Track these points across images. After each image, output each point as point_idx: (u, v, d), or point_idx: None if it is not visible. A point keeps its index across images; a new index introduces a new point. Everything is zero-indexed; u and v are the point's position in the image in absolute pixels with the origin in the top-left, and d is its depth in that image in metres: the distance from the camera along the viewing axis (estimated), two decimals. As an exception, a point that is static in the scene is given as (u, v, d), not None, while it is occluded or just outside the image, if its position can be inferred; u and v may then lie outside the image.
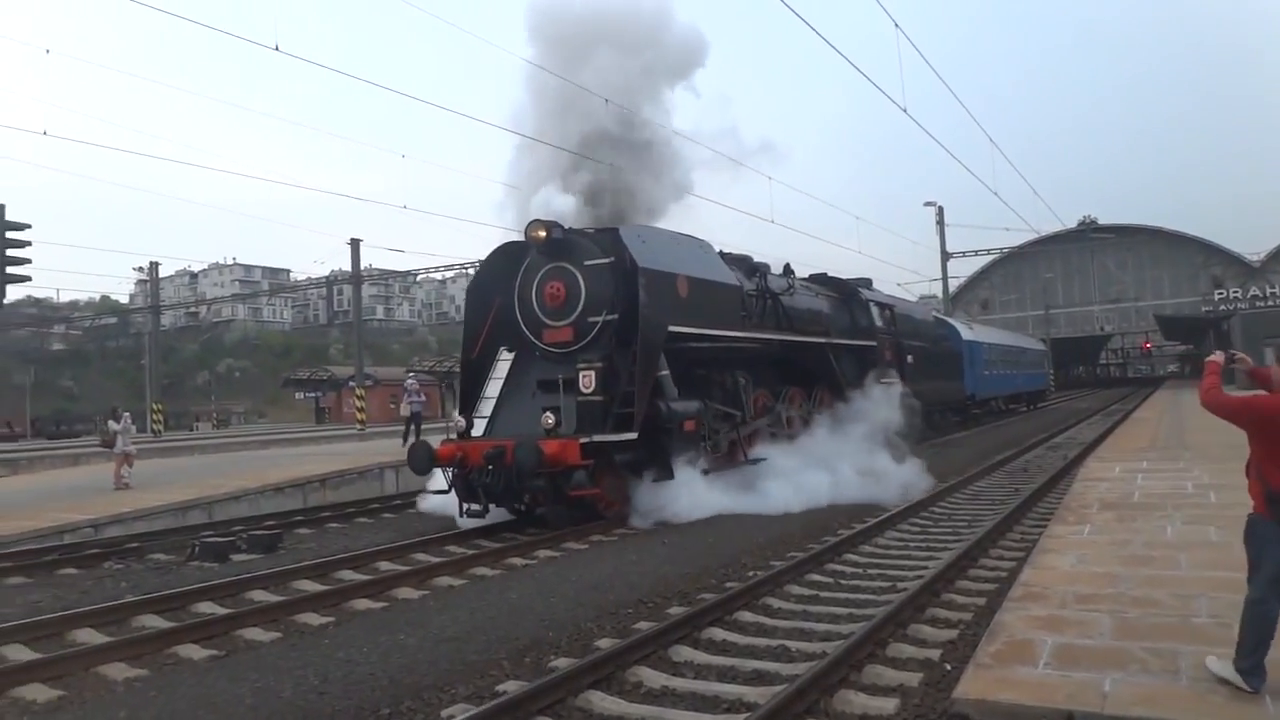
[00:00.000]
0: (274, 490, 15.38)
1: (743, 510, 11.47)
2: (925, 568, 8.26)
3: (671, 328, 11.52)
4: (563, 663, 5.72)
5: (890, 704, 4.96)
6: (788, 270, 16.55)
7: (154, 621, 7.35)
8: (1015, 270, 70.92)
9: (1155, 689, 4.06)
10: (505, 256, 12.50)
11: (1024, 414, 36.88)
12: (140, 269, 72.10)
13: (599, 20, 13.25)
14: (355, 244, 37.47)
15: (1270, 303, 54.14)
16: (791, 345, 15.23)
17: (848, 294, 18.91)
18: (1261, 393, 4.17)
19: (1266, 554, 4.02)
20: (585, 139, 12.98)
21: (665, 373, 11.50)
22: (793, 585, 7.84)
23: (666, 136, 14.25)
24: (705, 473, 11.79)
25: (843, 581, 8.06)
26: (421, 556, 9.89)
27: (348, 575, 9.00)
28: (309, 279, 77.32)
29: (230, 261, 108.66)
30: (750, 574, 8.16)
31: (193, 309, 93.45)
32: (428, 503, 12.03)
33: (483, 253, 13.09)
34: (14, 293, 16.45)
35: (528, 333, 11.99)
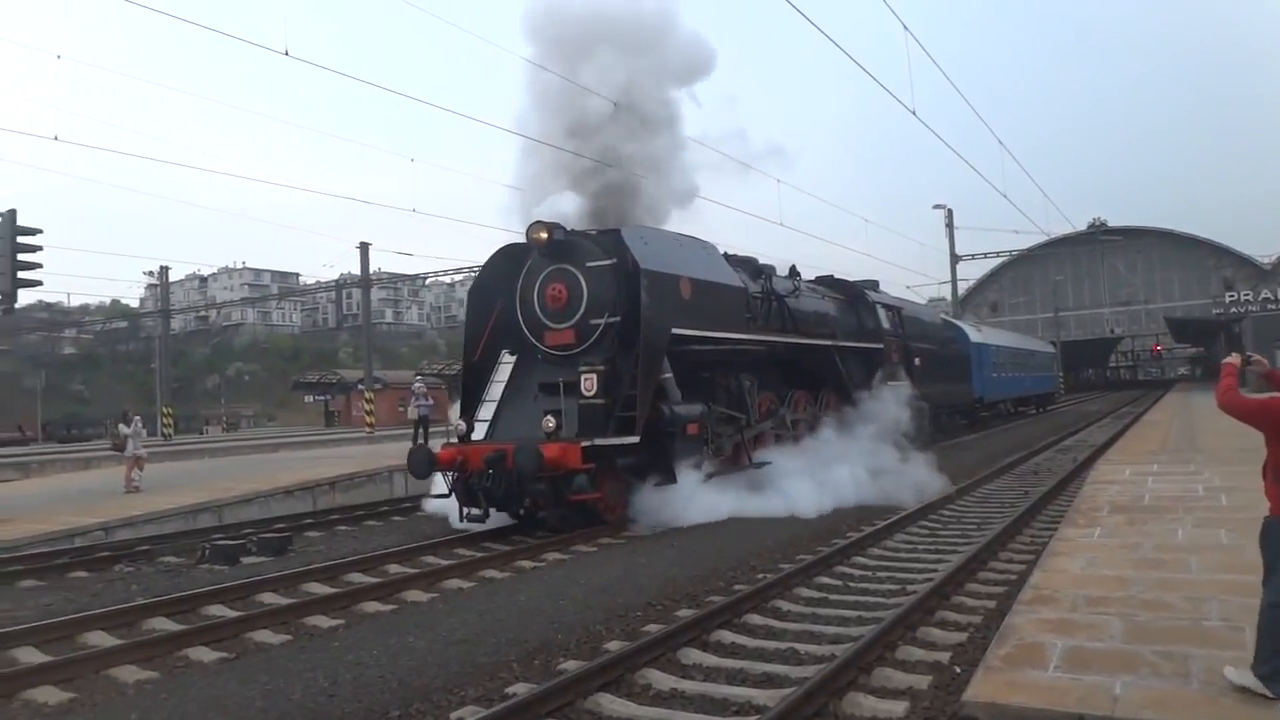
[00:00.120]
0: (284, 493, 15.41)
1: (746, 514, 11.41)
2: (935, 570, 8.24)
3: (674, 330, 11.44)
4: (572, 665, 5.72)
5: (900, 707, 4.94)
6: (793, 272, 16.45)
7: (164, 624, 7.37)
8: (1025, 273, 70.69)
9: (1166, 692, 4.04)
10: (507, 258, 12.41)
11: (1033, 417, 36.77)
12: (150, 273, 72.27)
13: (600, 21, 13.20)
14: (364, 247, 37.59)
15: (1282, 305, 53.85)
16: (797, 348, 15.14)
17: (854, 296, 18.82)
18: (1279, 395, 4.14)
19: None
20: (588, 140, 12.92)
21: (668, 375, 11.43)
22: (801, 588, 7.82)
23: (673, 139, 14.21)
24: (708, 476, 11.71)
25: (851, 584, 8.04)
26: (430, 559, 9.90)
27: (357, 578, 9.01)
28: (318, 282, 77.58)
29: (240, 265, 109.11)
30: (759, 577, 8.15)
31: (203, 313, 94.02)
32: (433, 506, 12.01)
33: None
34: (25, 297, 16.57)
35: (529, 335, 11.92)
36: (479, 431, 11.63)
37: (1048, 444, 22.01)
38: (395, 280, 67.52)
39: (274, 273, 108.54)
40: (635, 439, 10.62)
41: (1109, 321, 70.66)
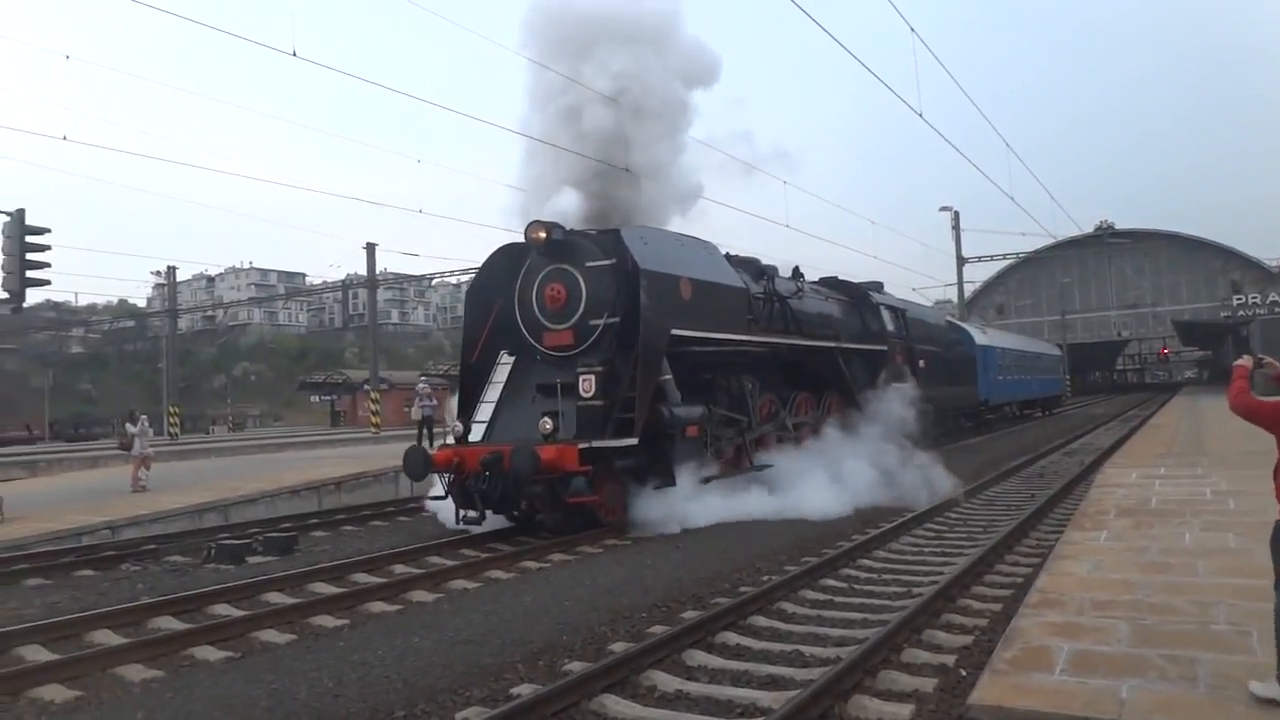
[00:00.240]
0: (290, 493, 15.44)
1: (747, 517, 11.34)
2: (941, 573, 8.22)
3: (674, 331, 11.32)
4: (577, 666, 5.72)
5: (905, 710, 4.94)
6: (797, 273, 16.34)
7: (170, 623, 7.39)
8: (1031, 275, 70.51)
9: (1173, 696, 4.03)
10: (506, 258, 12.29)
11: (1039, 420, 36.68)
12: (158, 273, 72.63)
13: (602, 21, 13.16)
14: (370, 248, 37.67)
15: (1290, 309, 53.66)
16: (800, 349, 15.02)
17: (858, 298, 18.72)
18: None
19: None
20: (591, 141, 12.86)
21: (668, 377, 11.32)
22: (807, 590, 7.81)
23: (676, 140, 14.17)
24: (708, 479, 11.62)
25: (857, 586, 8.03)
26: (436, 560, 9.90)
27: (363, 578, 9.02)
28: (324, 283, 77.86)
29: (246, 265, 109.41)
30: (764, 579, 8.14)
31: (209, 312, 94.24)
32: (433, 507, 11.95)
33: (495, 257, 12.92)
34: (33, 296, 16.62)
35: (528, 336, 11.80)
36: (477, 433, 11.51)
37: (1054, 447, 21.96)
38: (401, 281, 67.75)
39: (280, 273, 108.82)
40: (634, 441, 10.49)
41: (1116, 324, 70.46)
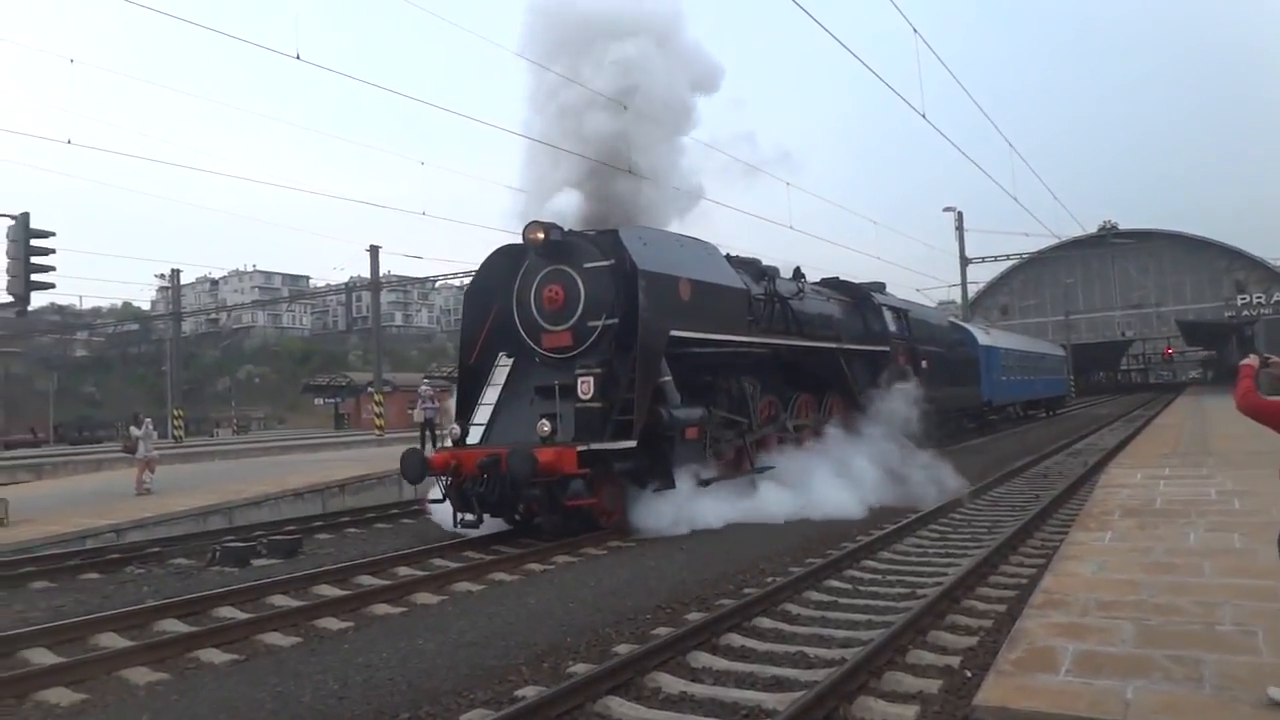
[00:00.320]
0: (294, 495, 15.47)
1: (748, 520, 11.26)
2: (945, 574, 8.21)
3: (673, 332, 11.24)
4: (581, 668, 5.72)
5: (910, 711, 4.93)
6: (798, 274, 16.24)
7: (175, 626, 7.40)
8: (1035, 275, 70.45)
9: (1178, 697, 4.02)
10: (504, 259, 12.20)
11: (1043, 420, 36.63)
12: (162, 276, 72.62)
13: (604, 21, 13.14)
14: (374, 250, 37.71)
15: (1294, 308, 53.57)
16: (801, 350, 14.92)
17: (860, 298, 18.64)
18: None
19: None
20: (594, 143, 12.82)
21: (667, 378, 11.23)
22: (811, 591, 7.81)
23: (677, 142, 14.16)
24: (708, 482, 11.54)
25: (862, 588, 8.02)
26: (440, 562, 9.90)
27: (367, 580, 9.02)
28: (328, 285, 77.91)
29: (250, 268, 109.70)
30: (768, 580, 8.13)
31: (213, 315, 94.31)
32: (432, 510, 11.84)
33: (498, 259, 12.87)
34: (38, 300, 16.67)
35: (526, 337, 11.72)
36: (475, 435, 11.40)
37: (1058, 447, 21.92)
38: (405, 283, 67.75)
39: (284, 275, 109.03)
40: (632, 443, 10.42)
41: (1120, 324, 70.39)
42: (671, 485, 10.95)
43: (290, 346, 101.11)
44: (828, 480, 12.73)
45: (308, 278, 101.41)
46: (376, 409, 37.73)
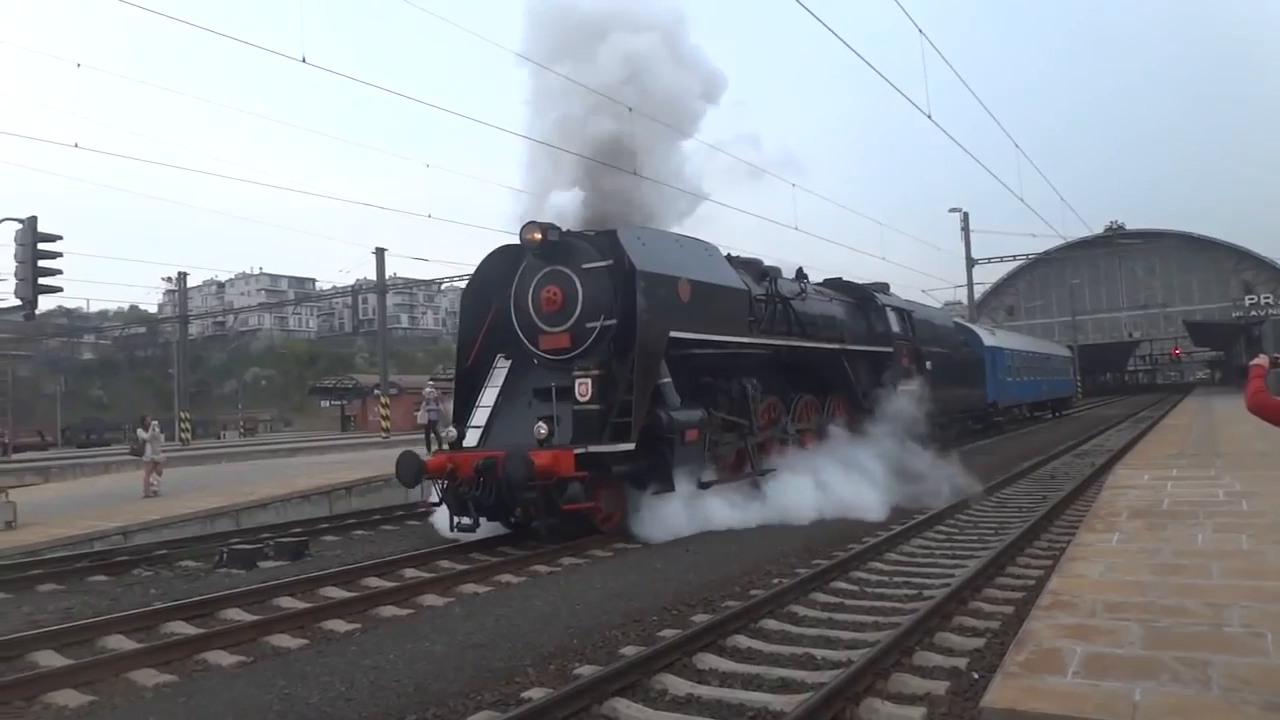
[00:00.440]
0: (300, 498, 15.50)
1: (748, 523, 11.16)
2: (952, 575, 8.19)
3: (673, 333, 11.08)
4: (588, 670, 5.72)
5: (917, 713, 4.92)
6: (800, 274, 16.09)
7: (183, 628, 7.42)
8: (1042, 276, 70.37)
9: (1186, 699, 4.00)
10: (502, 260, 12.08)
11: (1049, 421, 36.52)
12: (168, 279, 72.91)
13: (607, 20, 13.12)
14: (380, 253, 37.79)
15: (1303, 308, 53.37)
16: (803, 351, 14.75)
17: (863, 299, 18.47)
18: None
19: None
20: (595, 143, 12.77)
21: (666, 380, 11.08)
22: (818, 593, 7.80)
23: (679, 144, 14.14)
24: (708, 484, 11.43)
25: (868, 589, 8.01)
26: (446, 564, 9.91)
27: (374, 582, 9.03)
28: (334, 288, 78.05)
29: (257, 271, 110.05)
30: (775, 582, 8.12)
31: (220, 318, 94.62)
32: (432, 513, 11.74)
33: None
34: (45, 303, 16.72)
35: (524, 339, 11.59)
36: (472, 438, 11.23)
37: (1065, 448, 21.86)
38: (411, 285, 67.72)
39: (290, 278, 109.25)
40: (631, 446, 10.27)
41: (1127, 325, 70.28)
42: (671, 488, 10.81)
43: (296, 349, 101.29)
44: (829, 483, 12.57)
45: (314, 280, 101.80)
46: (383, 411, 37.80)
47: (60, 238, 14.37)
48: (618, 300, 10.99)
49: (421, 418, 22.30)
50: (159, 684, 5.88)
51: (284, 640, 6.91)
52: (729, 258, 13.55)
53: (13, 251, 14.11)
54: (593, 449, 10.20)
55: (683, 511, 10.85)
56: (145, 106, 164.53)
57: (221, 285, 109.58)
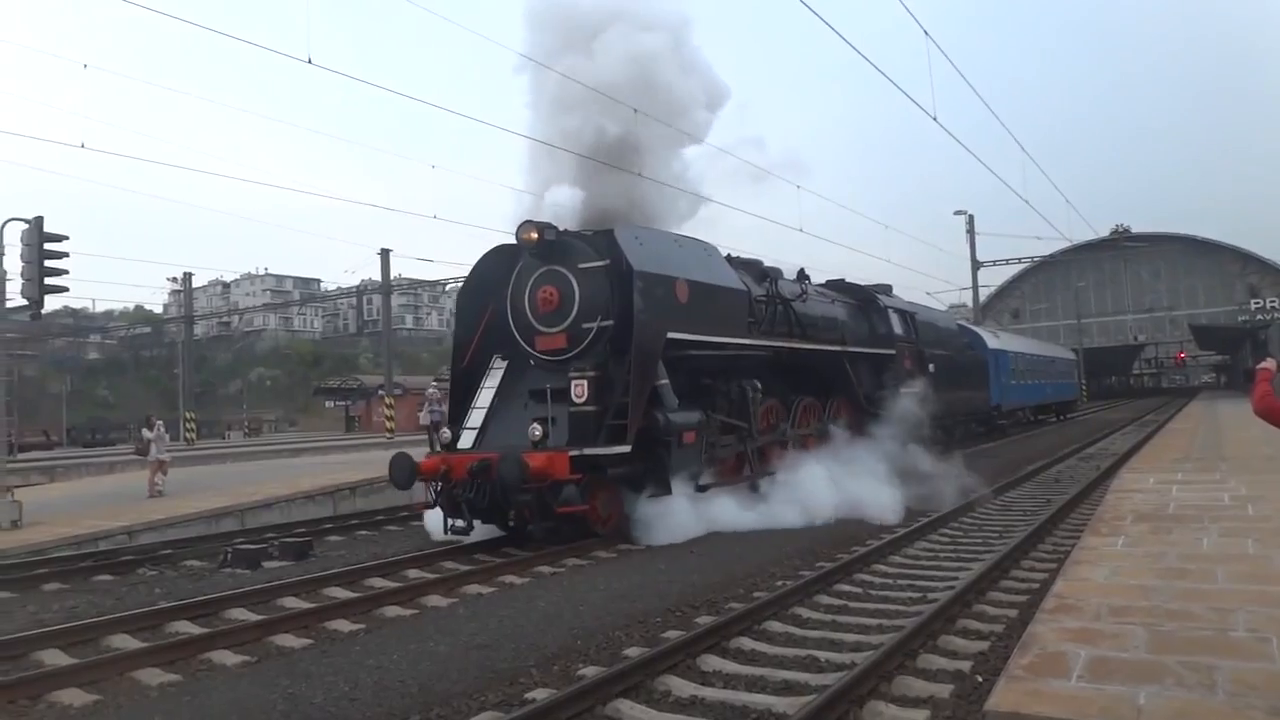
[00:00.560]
0: (305, 498, 15.52)
1: (748, 526, 11.09)
2: (956, 579, 8.19)
3: (670, 334, 10.97)
4: (591, 671, 5.72)
5: (921, 715, 4.92)
6: (801, 275, 15.98)
7: (187, 627, 7.44)
8: (1047, 279, 70.23)
9: (1191, 703, 4.00)
10: (498, 260, 11.95)
11: (1054, 425, 36.46)
12: (174, 279, 73.10)
13: (611, 17, 13.10)
14: (385, 254, 37.86)
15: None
16: (804, 354, 14.63)
17: (866, 300, 18.36)
18: None
19: None
20: (599, 144, 12.72)
21: (664, 382, 10.96)
22: (821, 595, 7.79)
23: (687, 144, 14.13)
24: (705, 487, 11.32)
25: (872, 592, 8.01)
26: (450, 564, 9.91)
27: (378, 583, 9.04)
28: (339, 288, 78.10)
29: (262, 271, 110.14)
30: (779, 584, 8.12)
31: (225, 318, 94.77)
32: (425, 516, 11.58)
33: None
34: (51, 303, 16.76)
35: (520, 339, 11.46)
36: (467, 439, 11.11)
37: (1069, 452, 21.81)
38: (416, 286, 67.86)
39: (296, 278, 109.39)
40: (626, 448, 10.17)
41: (1132, 328, 70.14)
42: (668, 491, 10.69)
43: (301, 349, 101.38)
44: (830, 485, 12.46)
45: (319, 281, 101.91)
46: (387, 412, 37.84)
47: (66, 238, 14.38)
48: (615, 300, 10.87)
49: (424, 418, 22.31)
50: (164, 683, 5.89)
51: (288, 640, 6.92)
52: (729, 258, 13.45)
53: (19, 251, 14.13)
54: (588, 451, 10.08)
55: (681, 515, 10.73)
56: (151, 107, 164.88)
57: (227, 285, 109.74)
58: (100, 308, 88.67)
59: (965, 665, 5.73)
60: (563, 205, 12.42)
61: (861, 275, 19.68)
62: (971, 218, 44.54)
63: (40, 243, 13.99)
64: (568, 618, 7.07)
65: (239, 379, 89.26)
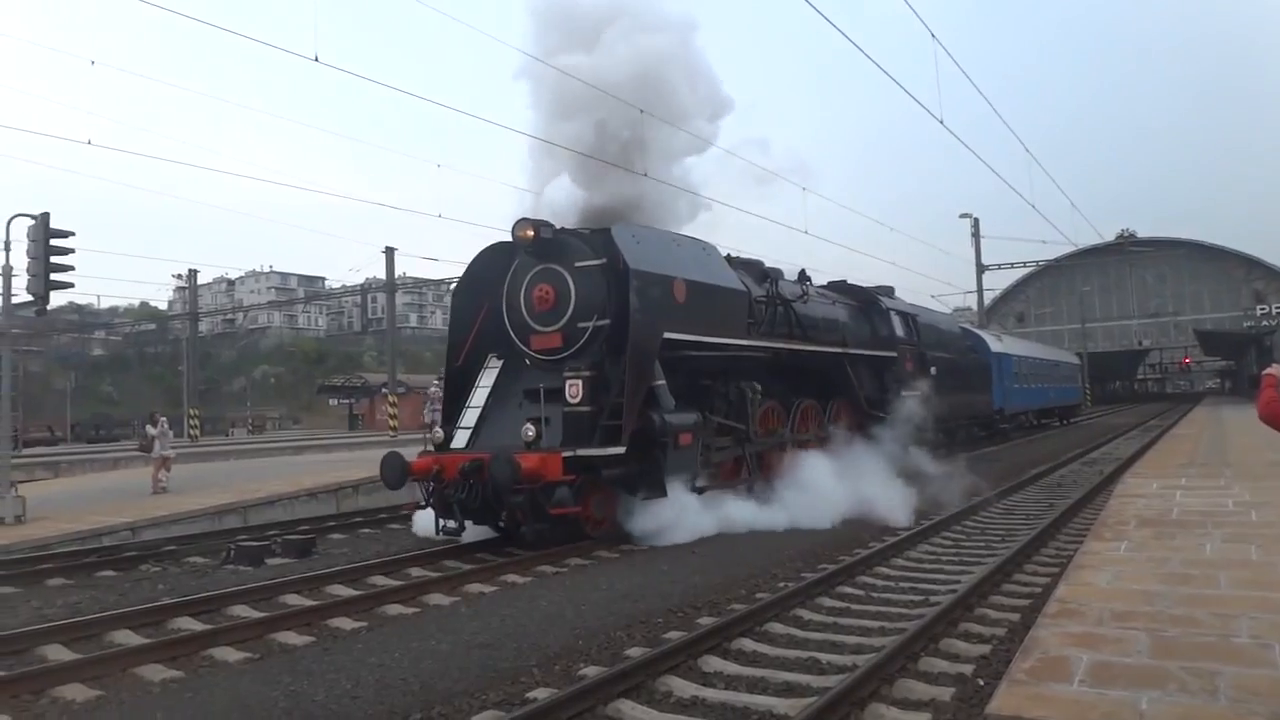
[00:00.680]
0: (308, 495, 15.54)
1: (748, 528, 11.04)
2: (958, 582, 8.18)
3: (667, 334, 10.82)
4: (593, 671, 5.73)
5: (922, 718, 4.92)
6: (803, 276, 15.85)
7: (190, 624, 7.45)
8: (1051, 283, 70.21)
9: (1193, 709, 3.99)
10: (494, 258, 11.82)
11: (1057, 429, 36.41)
12: (179, 276, 73.03)
13: (613, 15, 13.09)
14: (390, 252, 37.92)
15: (1313, 318, 53.18)
16: (804, 355, 14.50)
17: (867, 302, 18.23)
18: None
19: None
20: (602, 145, 12.69)
21: (661, 382, 10.77)
22: (824, 597, 7.79)
23: (693, 145, 14.11)
24: (702, 490, 11.23)
25: (874, 594, 8.00)
26: (453, 563, 9.91)
27: (380, 581, 9.05)
28: (344, 287, 78.33)
29: (267, 269, 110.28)
30: (781, 585, 8.12)
31: (229, 316, 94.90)
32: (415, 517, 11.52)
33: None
34: (56, 299, 16.75)
35: (516, 338, 11.33)
36: (461, 439, 10.95)
37: (1073, 456, 21.77)
38: (420, 285, 68.00)
39: (300, 276, 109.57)
40: (621, 449, 10.01)
41: (1137, 333, 70.11)
42: (663, 493, 10.54)
43: (306, 347, 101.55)
44: (832, 487, 12.44)
45: (323, 279, 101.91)
46: (391, 410, 37.87)
47: (72, 234, 14.39)
48: (611, 300, 10.72)
49: (427, 416, 22.35)
50: (166, 679, 5.90)
51: (290, 637, 6.93)
52: (729, 258, 13.35)
53: (25, 248, 14.17)
54: (582, 452, 9.94)
55: (678, 517, 10.62)
56: (157, 103, 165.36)
57: (231, 283, 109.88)
58: (105, 304, 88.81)
59: (967, 669, 5.72)
60: (563, 204, 12.38)
61: (866, 277, 19.69)
62: (977, 221, 44.50)
63: (46, 238, 14.02)
64: (569, 617, 7.07)
65: (243, 376, 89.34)
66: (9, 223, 14.01)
